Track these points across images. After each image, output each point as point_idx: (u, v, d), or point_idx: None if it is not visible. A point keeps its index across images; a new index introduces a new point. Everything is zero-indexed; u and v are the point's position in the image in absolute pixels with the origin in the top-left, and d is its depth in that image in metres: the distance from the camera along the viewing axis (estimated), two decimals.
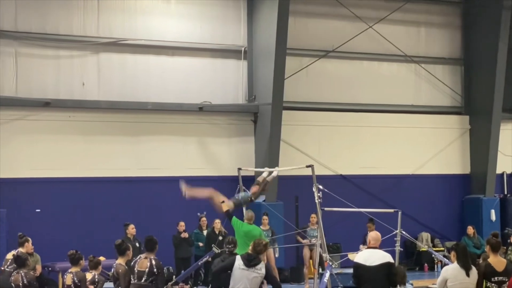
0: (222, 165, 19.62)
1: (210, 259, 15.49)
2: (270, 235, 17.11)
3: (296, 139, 20.51)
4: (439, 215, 22.30)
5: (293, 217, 19.11)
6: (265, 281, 10.01)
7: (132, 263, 10.44)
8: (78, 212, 18.19)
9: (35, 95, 17.99)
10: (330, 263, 14.25)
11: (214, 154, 19.79)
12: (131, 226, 16.67)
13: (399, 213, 14.61)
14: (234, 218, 13.63)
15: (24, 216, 17.49)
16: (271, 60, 19.07)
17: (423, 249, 20.23)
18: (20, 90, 17.91)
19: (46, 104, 18.01)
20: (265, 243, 10.10)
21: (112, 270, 10.62)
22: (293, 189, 19.41)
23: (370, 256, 9.73)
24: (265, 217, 17.57)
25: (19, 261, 11.01)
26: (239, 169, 15.95)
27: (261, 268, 9.78)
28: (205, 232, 17.91)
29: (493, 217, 22.17)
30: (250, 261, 9.76)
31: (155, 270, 10.23)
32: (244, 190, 14.52)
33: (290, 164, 17.22)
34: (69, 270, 10.97)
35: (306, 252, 18.00)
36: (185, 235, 17.63)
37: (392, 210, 15.31)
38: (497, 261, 9.58)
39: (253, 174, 17.89)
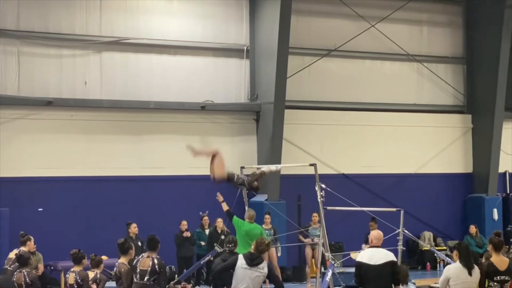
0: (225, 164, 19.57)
1: (212, 258, 15.50)
2: (272, 234, 17.12)
3: (299, 138, 20.48)
4: (441, 214, 22.27)
5: (296, 216, 19.08)
6: (267, 280, 10.01)
7: (134, 262, 10.44)
8: (80, 211, 18.16)
9: (37, 94, 17.98)
10: (332, 262, 14.22)
11: None
12: (133, 225, 16.65)
13: (402, 212, 14.56)
14: (235, 217, 13.63)
15: (26, 215, 17.47)
16: (274, 59, 19.04)
17: (426, 248, 20.16)
18: (22, 89, 17.90)
19: (48, 103, 17.99)
20: (268, 242, 10.10)
21: (115, 269, 10.62)
22: (295, 188, 19.38)
23: (374, 255, 9.69)
24: (267, 216, 17.57)
25: (22, 260, 10.99)
26: (242, 167, 15.92)
27: (263, 267, 9.79)
28: (207, 231, 17.90)
29: (496, 216, 22.12)
30: (253, 260, 9.76)
31: (157, 269, 10.24)
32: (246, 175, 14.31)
33: (292, 163, 17.19)
34: (72, 269, 10.99)
35: (308, 251, 18.03)
36: (187, 234, 17.62)
37: (394, 209, 15.26)
38: (500, 260, 9.58)
39: None
